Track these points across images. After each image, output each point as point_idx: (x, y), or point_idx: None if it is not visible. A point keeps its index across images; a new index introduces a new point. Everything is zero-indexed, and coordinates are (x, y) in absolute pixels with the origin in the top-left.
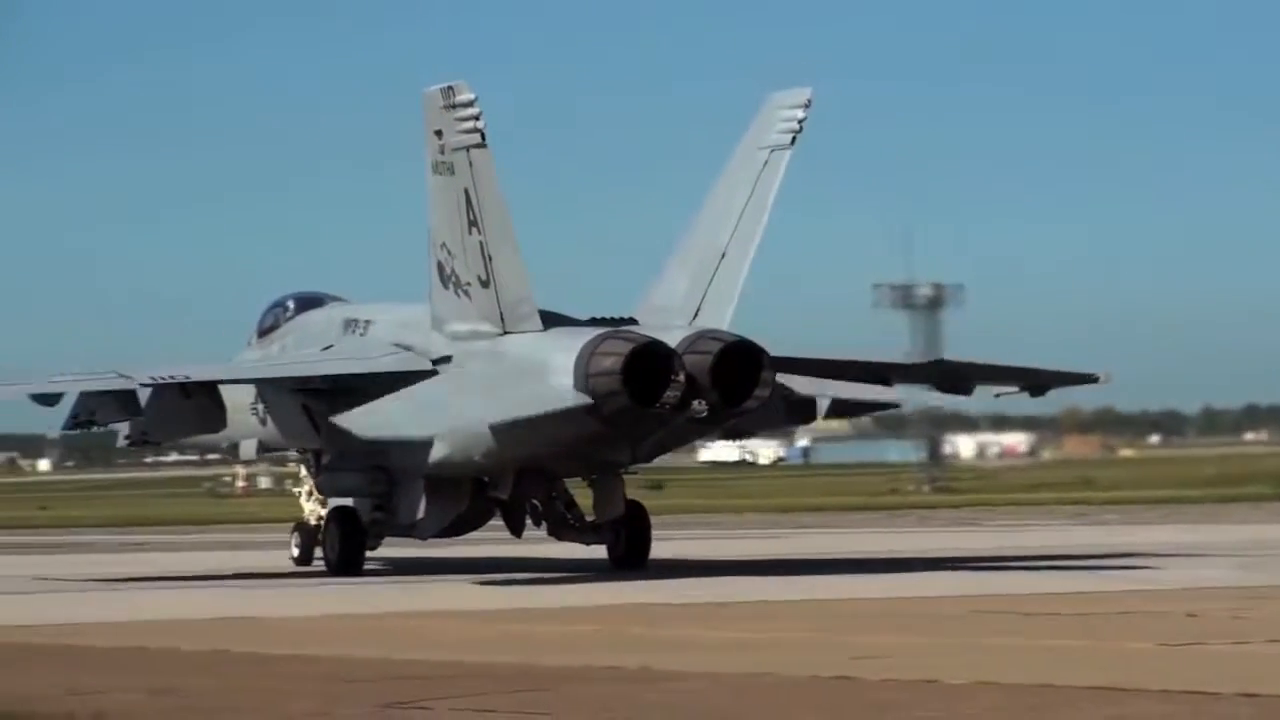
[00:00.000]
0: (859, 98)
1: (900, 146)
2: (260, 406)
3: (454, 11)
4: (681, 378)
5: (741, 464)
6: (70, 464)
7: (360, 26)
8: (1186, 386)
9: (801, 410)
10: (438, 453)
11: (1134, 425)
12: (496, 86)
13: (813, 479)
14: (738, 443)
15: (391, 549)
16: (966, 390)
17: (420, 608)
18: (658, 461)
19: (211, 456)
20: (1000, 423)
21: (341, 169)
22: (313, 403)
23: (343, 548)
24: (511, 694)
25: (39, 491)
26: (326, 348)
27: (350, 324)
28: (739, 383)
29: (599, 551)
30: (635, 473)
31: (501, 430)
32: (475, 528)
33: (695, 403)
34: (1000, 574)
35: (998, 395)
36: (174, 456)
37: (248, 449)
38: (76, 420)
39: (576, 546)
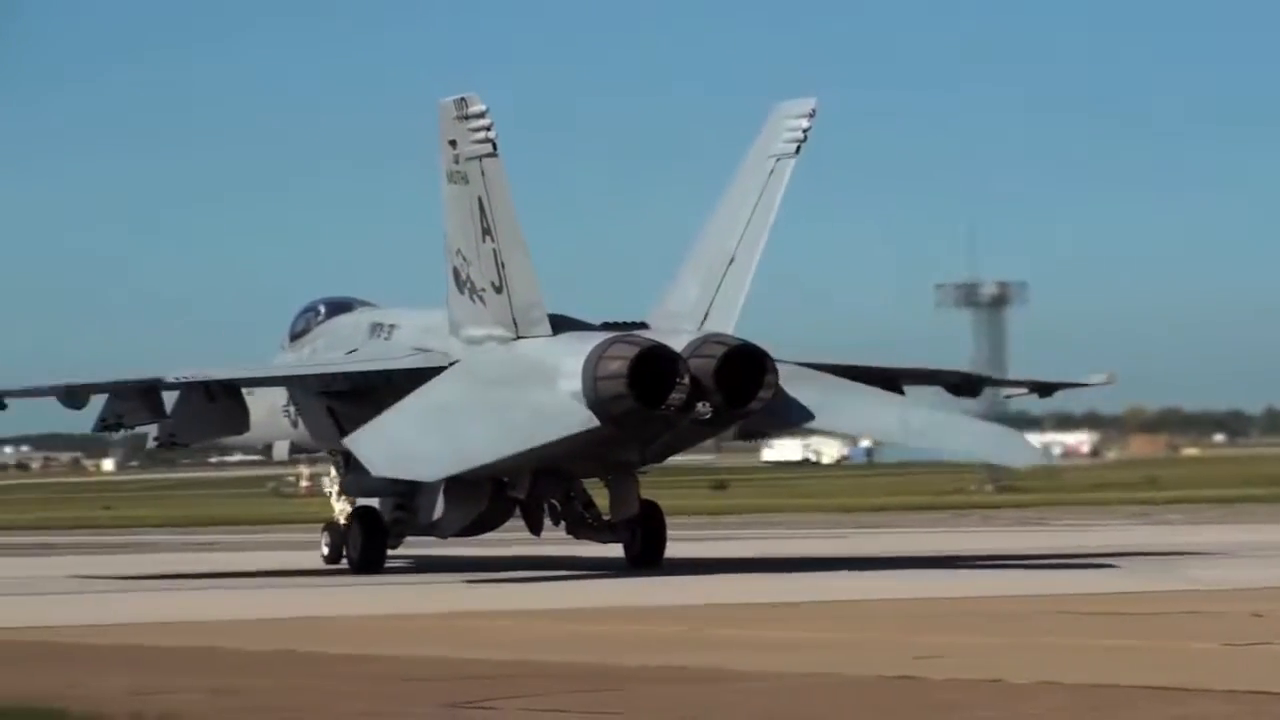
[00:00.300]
0: (921, 99)
1: (964, 144)
2: (292, 409)
3: (475, 20)
4: (686, 380)
5: (805, 463)
6: (134, 464)
7: (377, 29)
8: (1251, 386)
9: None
10: None
11: (1198, 425)
12: (519, 95)
13: (876, 479)
14: (802, 442)
15: (418, 548)
16: (974, 393)
17: (485, 607)
18: (722, 461)
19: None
20: (1064, 422)
21: (347, 170)
22: (337, 405)
23: (364, 547)
24: (580, 694)
25: (103, 491)
26: (351, 351)
27: (376, 328)
28: (743, 385)
29: (615, 550)
30: (697, 473)
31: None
32: (495, 527)
33: (699, 405)
34: (1063, 573)
35: (1006, 396)
36: (238, 457)
37: (280, 450)
38: (105, 422)
39: (594, 545)
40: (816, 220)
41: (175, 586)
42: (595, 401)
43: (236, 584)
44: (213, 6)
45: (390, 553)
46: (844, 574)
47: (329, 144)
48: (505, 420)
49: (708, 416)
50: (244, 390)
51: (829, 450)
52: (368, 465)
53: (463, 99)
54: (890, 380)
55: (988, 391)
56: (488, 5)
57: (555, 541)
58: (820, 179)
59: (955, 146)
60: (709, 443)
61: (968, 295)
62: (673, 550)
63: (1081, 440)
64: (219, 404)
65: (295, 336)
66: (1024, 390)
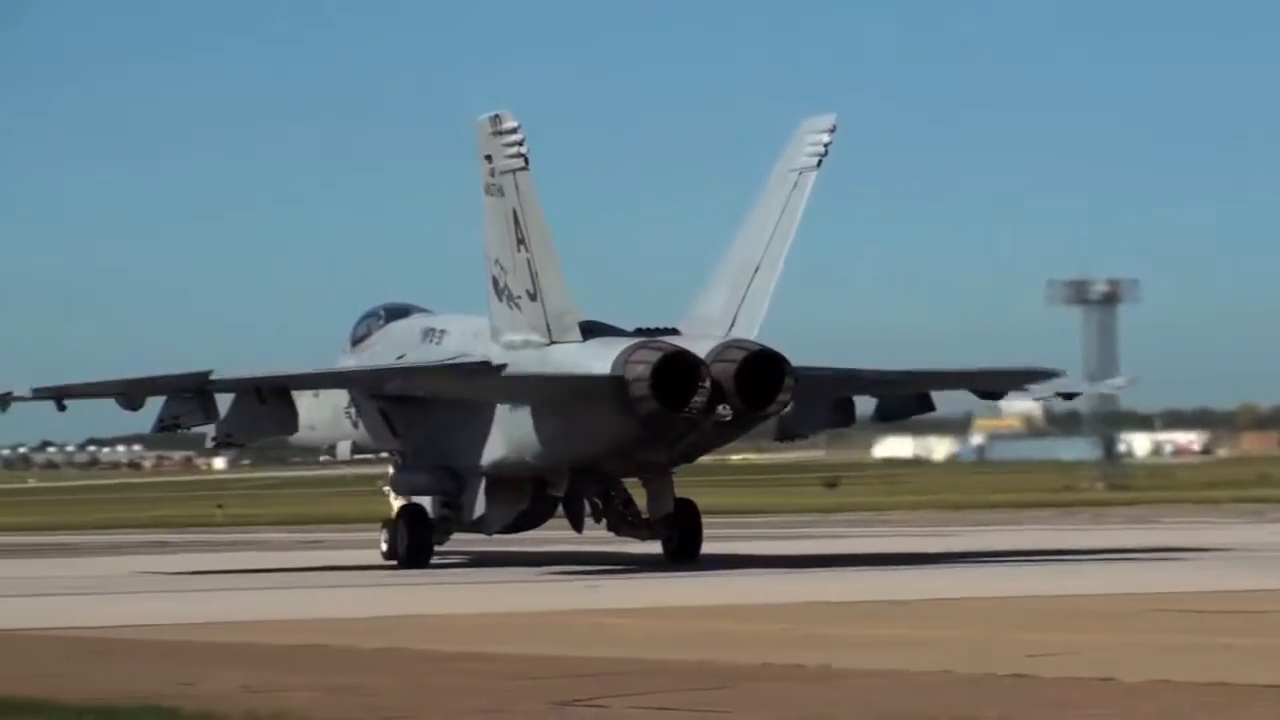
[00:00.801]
0: (1035, 94)
1: (1078, 141)
2: (352, 410)
3: (521, 35)
4: (707, 384)
5: (915, 461)
6: (246, 462)
7: (425, 38)
8: None
9: (842, 412)
10: (494, 454)
11: None
12: (563, 112)
13: (986, 476)
14: (913, 438)
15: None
16: (998, 396)
17: (595, 605)
18: (833, 458)
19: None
20: (1175, 420)
21: (406, 172)
22: (389, 407)
23: (410, 542)
24: (690, 692)
25: (216, 490)
26: (401, 356)
27: (428, 333)
28: (763, 389)
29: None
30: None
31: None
32: (539, 524)
33: (720, 407)
34: (1175, 571)
35: (1036, 399)
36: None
37: (343, 450)
38: (164, 423)
39: (633, 541)
40: (931, 215)
41: (286, 584)
42: (621, 404)
43: (346, 581)
44: (268, 11)
45: (440, 549)
46: (954, 571)
47: (386, 144)
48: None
49: (728, 419)
50: (311, 393)
51: (939, 447)
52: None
53: (497, 115)
54: (919, 394)
55: (1092, 390)
56: (531, 23)
57: (595, 540)
58: (936, 177)
59: (1072, 143)
60: (820, 438)
61: (1079, 292)
62: (783, 548)
63: (1192, 439)
64: (269, 405)
65: (356, 341)
66: (1051, 394)
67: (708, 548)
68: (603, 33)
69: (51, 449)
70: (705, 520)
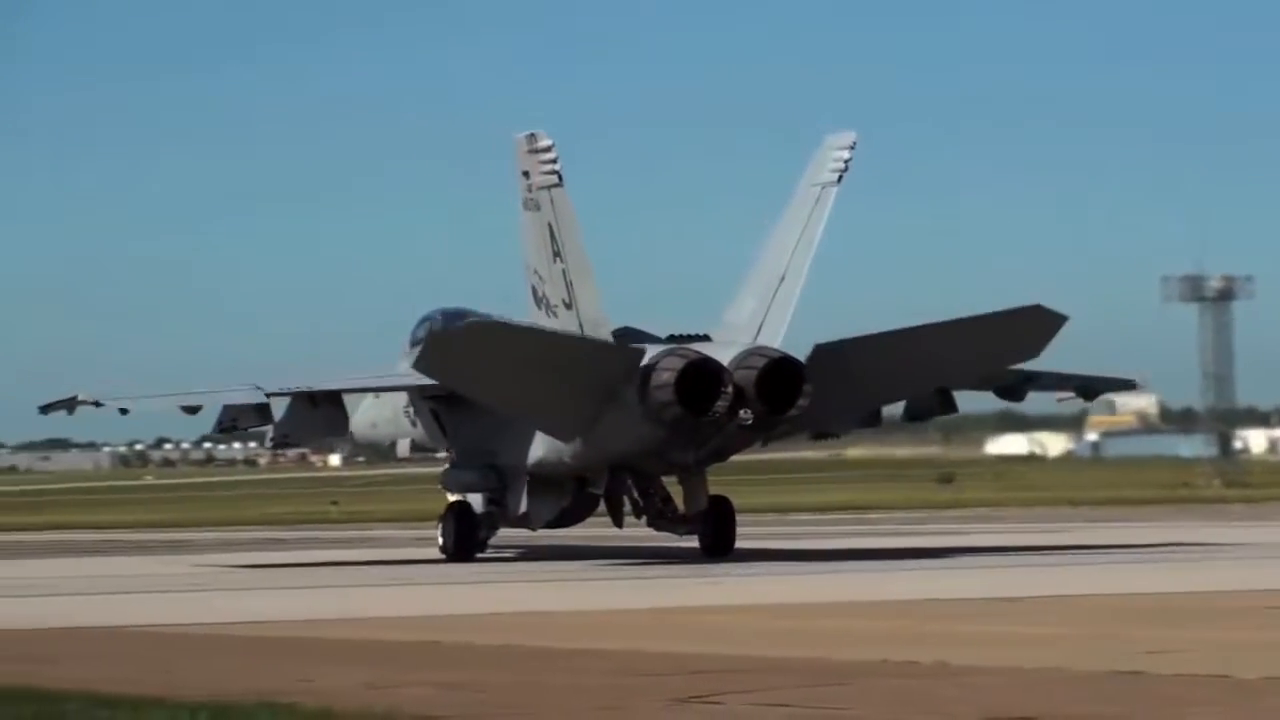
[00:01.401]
0: (1146, 88)
1: (1193, 137)
2: (410, 410)
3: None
4: (730, 390)
5: (1030, 458)
6: (360, 459)
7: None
8: None
9: (875, 414)
10: (535, 454)
11: None
12: (612, 132)
13: (1101, 473)
14: (1027, 435)
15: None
16: (1019, 396)
17: (710, 602)
18: (948, 455)
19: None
20: None
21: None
22: (439, 408)
23: (457, 537)
24: (806, 688)
25: (330, 486)
26: None
27: None
28: (783, 394)
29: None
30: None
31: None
32: (581, 519)
33: (741, 412)
34: None
35: (1060, 400)
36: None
37: (403, 448)
38: (223, 426)
39: (671, 536)
40: (1040, 209)
41: (400, 580)
42: (648, 408)
43: (460, 578)
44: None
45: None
46: (1068, 568)
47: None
48: None
49: (749, 422)
50: (372, 394)
51: (1054, 444)
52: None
53: (532, 134)
54: (941, 391)
55: (1203, 391)
56: (576, 46)
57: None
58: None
59: (1185, 140)
60: (934, 435)
61: (1194, 288)
62: (897, 543)
63: None
64: (321, 410)
65: (415, 344)
66: (1070, 393)
67: (824, 544)
68: (647, 52)
69: (168, 446)
70: (822, 516)
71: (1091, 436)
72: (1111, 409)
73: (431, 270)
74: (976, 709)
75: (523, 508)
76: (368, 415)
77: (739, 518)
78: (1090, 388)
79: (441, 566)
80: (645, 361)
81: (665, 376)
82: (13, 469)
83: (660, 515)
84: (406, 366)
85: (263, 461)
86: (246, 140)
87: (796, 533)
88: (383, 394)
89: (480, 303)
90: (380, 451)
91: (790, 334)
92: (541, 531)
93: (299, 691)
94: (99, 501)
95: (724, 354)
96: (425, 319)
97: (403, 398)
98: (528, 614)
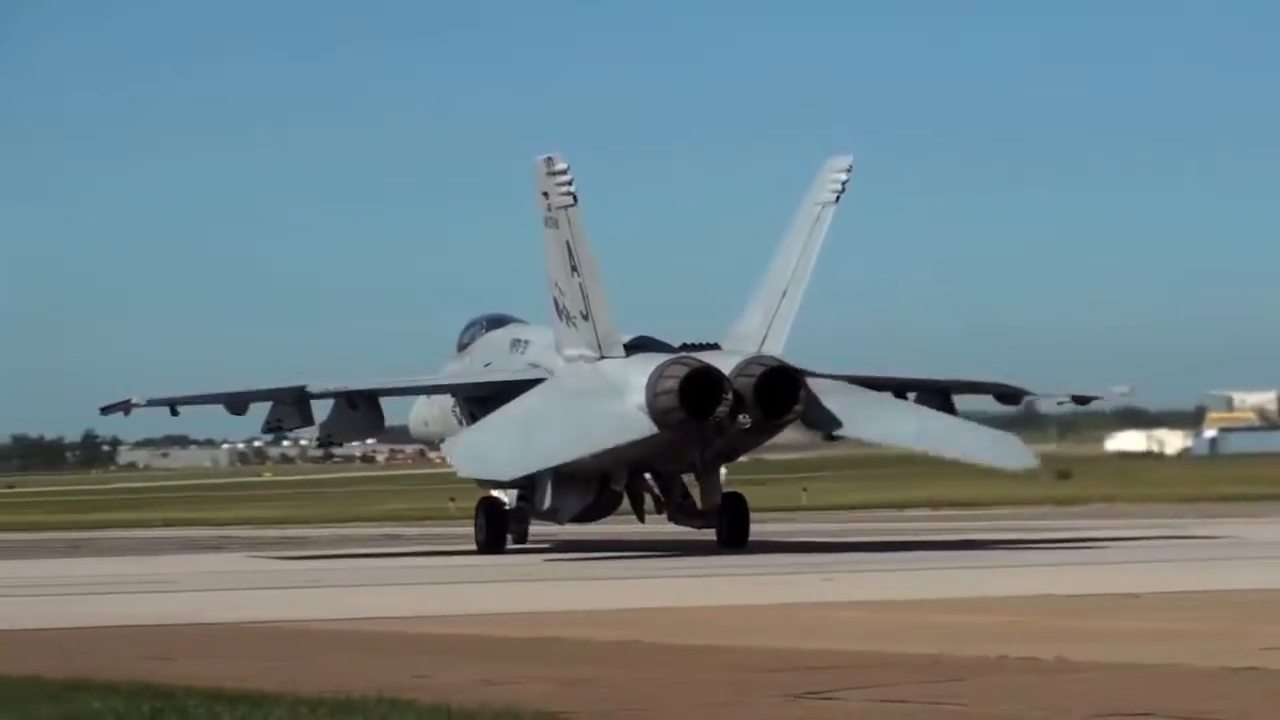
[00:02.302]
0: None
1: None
2: (457, 409)
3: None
4: (730, 396)
5: (1148, 455)
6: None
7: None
8: None
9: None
10: None
11: None
12: (636, 154)
13: (1220, 470)
14: (1145, 432)
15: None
16: (1016, 402)
17: (827, 598)
18: (1067, 451)
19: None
20: None
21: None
22: (477, 409)
23: (488, 531)
24: (924, 684)
25: (448, 483)
26: (488, 364)
27: (515, 343)
28: (779, 400)
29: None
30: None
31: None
32: (607, 514)
33: (740, 416)
34: None
35: (1060, 404)
36: None
37: None
38: (269, 426)
39: (689, 530)
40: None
41: (517, 577)
42: (654, 412)
43: (576, 574)
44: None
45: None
46: (1186, 563)
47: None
48: (582, 426)
49: (748, 426)
50: (424, 395)
51: (1172, 440)
52: (455, 467)
53: (550, 158)
54: (941, 392)
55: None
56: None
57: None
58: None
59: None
60: (1051, 431)
61: None
62: (1015, 539)
63: None
64: (360, 411)
65: (461, 347)
66: (1066, 399)
67: (946, 538)
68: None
69: (286, 443)
70: (941, 512)
71: (1210, 433)
72: (1229, 405)
73: (476, 274)
74: (1093, 705)
75: (548, 503)
76: (420, 414)
77: (862, 513)
78: (1084, 397)
79: (552, 564)
80: (653, 370)
81: (670, 383)
82: (132, 465)
83: (680, 510)
84: (455, 368)
85: (380, 459)
86: (306, 141)
87: (911, 528)
88: (434, 394)
89: (520, 309)
90: (433, 447)
91: (793, 342)
92: (569, 526)
93: (416, 688)
94: (217, 499)
95: (726, 362)
96: (472, 324)
97: (449, 398)
98: (648, 610)
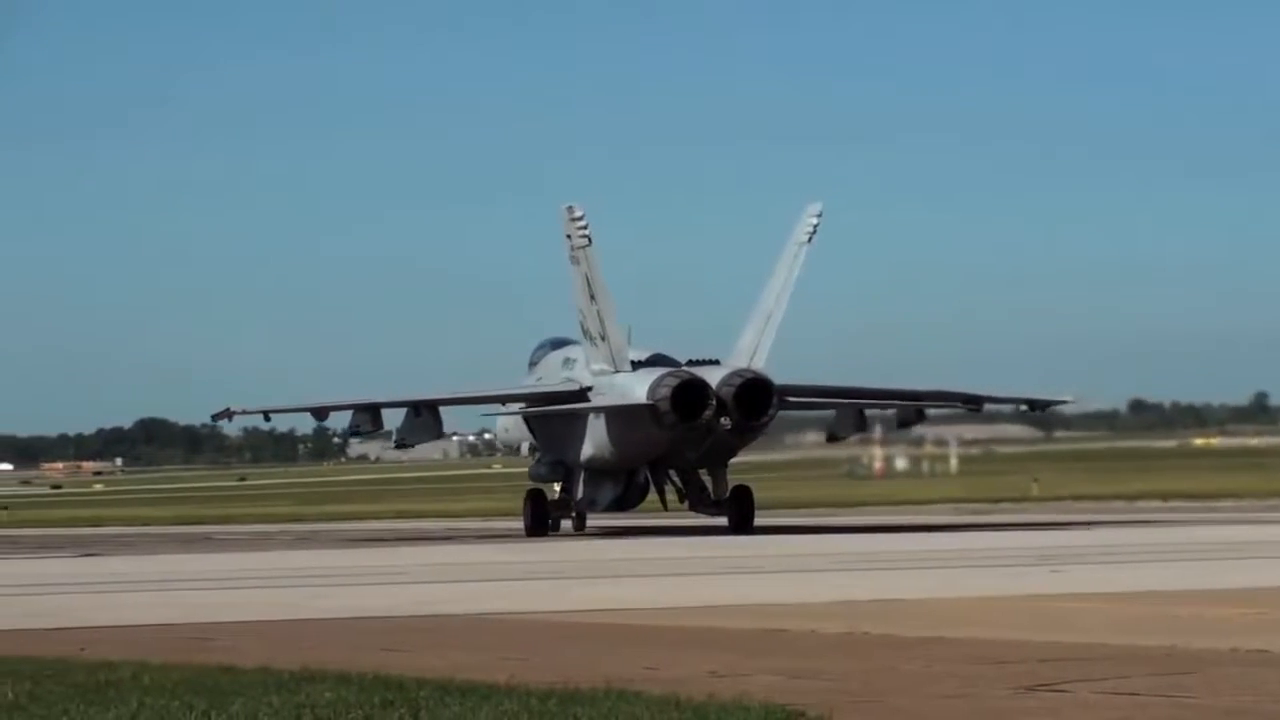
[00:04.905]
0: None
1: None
2: (523, 420)
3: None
4: (713, 403)
5: None
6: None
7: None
8: None
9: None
10: (588, 453)
11: None
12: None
13: None
14: None
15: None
16: (979, 408)
17: (1056, 590)
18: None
19: (852, 438)
20: None
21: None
22: (531, 419)
23: (533, 518)
24: (1155, 676)
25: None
26: (539, 378)
27: (566, 361)
28: (756, 405)
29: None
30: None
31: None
32: (637, 503)
33: (722, 419)
34: None
35: (1021, 409)
36: (811, 437)
37: (525, 448)
38: (352, 430)
39: (704, 517)
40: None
41: (738, 569)
42: (654, 416)
43: (801, 565)
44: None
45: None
46: None
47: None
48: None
49: (729, 427)
50: (501, 404)
51: None
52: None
53: (570, 206)
54: (915, 398)
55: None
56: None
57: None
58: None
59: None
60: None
61: None
62: (1249, 533)
63: None
64: (423, 417)
65: (531, 365)
66: (1023, 406)
67: (1172, 531)
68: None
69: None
70: (1170, 504)
71: None
72: None
73: (547, 297)
74: None
75: (585, 494)
76: (503, 422)
77: (1089, 503)
78: (1038, 403)
79: (773, 556)
80: (652, 381)
81: (664, 392)
82: (363, 458)
83: (699, 500)
84: (525, 382)
85: None
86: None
87: (1144, 520)
88: (511, 405)
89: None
90: (514, 451)
91: (793, 356)
92: (604, 514)
93: (645, 679)
94: (448, 490)
95: (713, 375)
96: (541, 345)
97: (517, 409)
98: (874, 602)
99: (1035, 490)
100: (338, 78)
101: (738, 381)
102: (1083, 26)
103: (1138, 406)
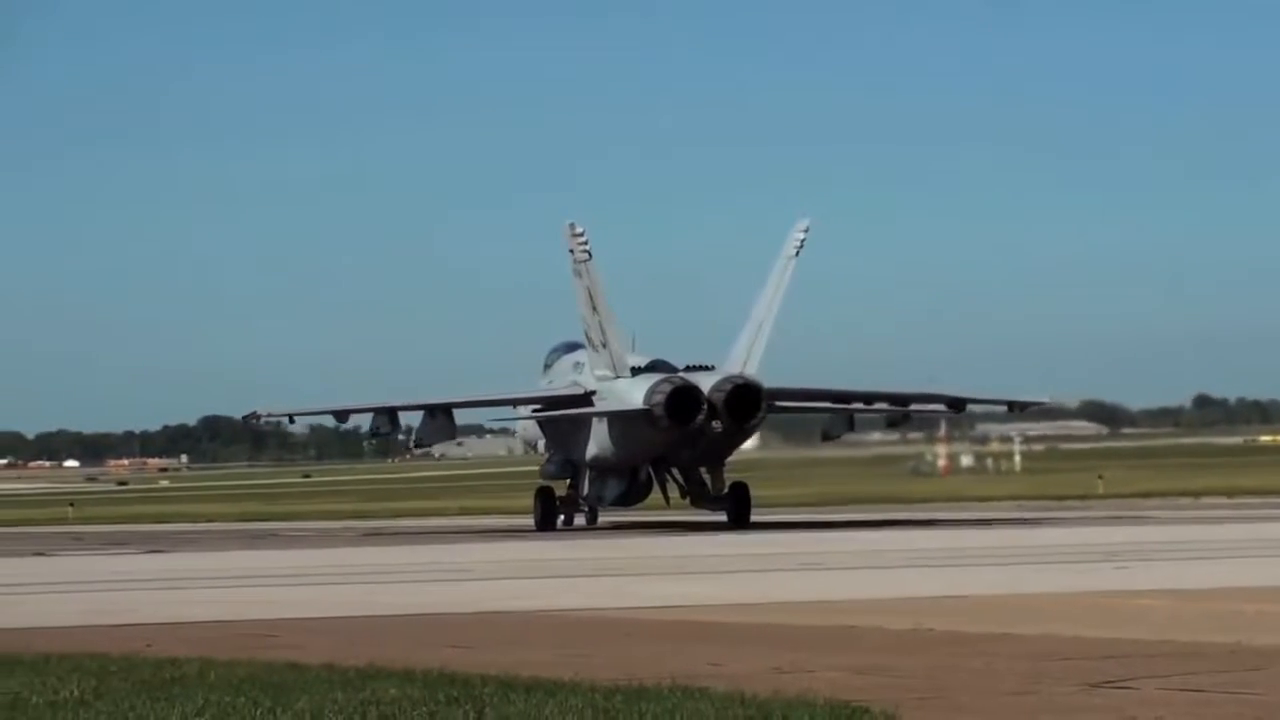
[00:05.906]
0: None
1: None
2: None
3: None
4: (705, 406)
5: None
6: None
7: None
8: None
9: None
10: (592, 452)
11: None
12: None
13: None
14: None
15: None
16: (962, 409)
17: (1121, 586)
18: None
19: (913, 435)
20: None
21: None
22: (541, 419)
23: (541, 514)
24: (1221, 674)
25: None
26: (550, 381)
27: (576, 365)
28: (745, 409)
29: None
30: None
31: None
32: (641, 500)
33: (713, 422)
34: None
35: (1008, 410)
36: (877, 435)
37: (541, 446)
38: (373, 431)
39: (705, 512)
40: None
41: (810, 565)
42: (650, 419)
43: (870, 561)
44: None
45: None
46: None
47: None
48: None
49: (720, 430)
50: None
51: None
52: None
53: (572, 224)
54: (901, 402)
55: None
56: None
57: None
58: None
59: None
60: None
61: None
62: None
63: None
64: (438, 420)
65: (546, 367)
66: (1003, 407)
67: (1256, 528)
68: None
69: None
70: (1236, 500)
71: None
72: None
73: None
74: None
75: (591, 491)
76: (522, 423)
77: (1154, 500)
78: (1018, 404)
79: (835, 554)
80: (649, 387)
81: (659, 398)
82: (428, 454)
83: (699, 496)
84: (542, 384)
85: None
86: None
87: (1208, 517)
88: (524, 408)
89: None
90: (533, 448)
91: (792, 363)
92: (610, 509)
93: (709, 675)
94: (508, 486)
95: (706, 381)
96: (555, 349)
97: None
98: (939, 598)
99: (1100, 487)
100: (351, 80)
101: (728, 387)
102: (1083, 27)
103: (1202, 402)
